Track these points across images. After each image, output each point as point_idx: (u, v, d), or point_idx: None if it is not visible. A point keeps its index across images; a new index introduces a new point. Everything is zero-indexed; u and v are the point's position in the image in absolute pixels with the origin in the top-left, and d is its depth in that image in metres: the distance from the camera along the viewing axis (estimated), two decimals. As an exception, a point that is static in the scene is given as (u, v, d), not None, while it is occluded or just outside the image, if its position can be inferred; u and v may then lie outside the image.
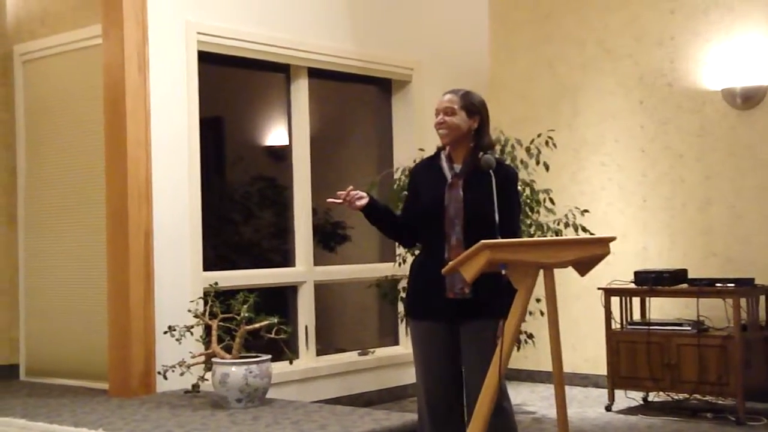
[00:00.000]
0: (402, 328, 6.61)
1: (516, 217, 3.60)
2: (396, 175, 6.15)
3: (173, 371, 4.93)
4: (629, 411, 5.83)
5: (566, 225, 5.88)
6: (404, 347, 6.70)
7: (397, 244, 6.23)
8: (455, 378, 3.49)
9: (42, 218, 5.98)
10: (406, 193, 5.81)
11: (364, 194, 3.51)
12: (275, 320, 4.88)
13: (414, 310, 3.55)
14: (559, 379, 3.03)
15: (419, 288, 3.47)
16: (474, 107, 3.52)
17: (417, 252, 3.65)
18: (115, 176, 5.20)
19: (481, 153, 3.46)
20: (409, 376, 6.54)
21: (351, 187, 3.52)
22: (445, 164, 3.51)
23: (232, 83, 6.32)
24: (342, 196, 3.49)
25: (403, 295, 6.21)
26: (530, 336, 6.01)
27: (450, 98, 3.52)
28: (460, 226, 3.39)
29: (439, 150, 3.59)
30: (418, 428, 3.62)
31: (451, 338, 3.46)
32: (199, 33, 5.49)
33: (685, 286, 5.79)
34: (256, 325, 4.86)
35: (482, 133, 3.54)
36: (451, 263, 2.99)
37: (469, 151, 3.50)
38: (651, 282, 5.77)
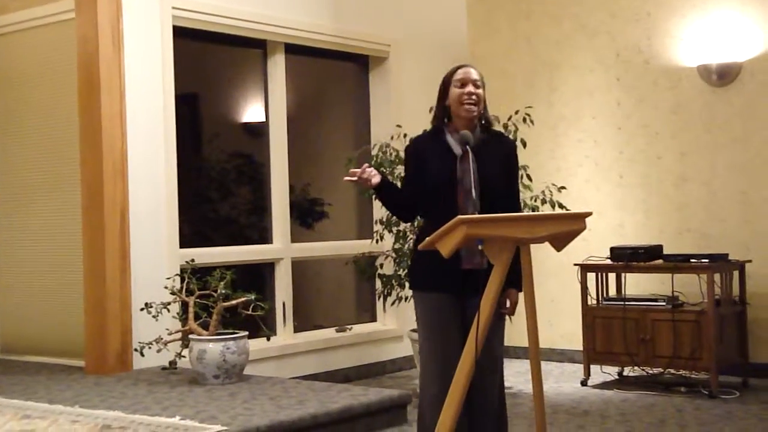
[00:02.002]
0: (380, 304, 6.62)
1: (518, 187, 3.69)
2: (373, 152, 6.13)
3: (150, 348, 4.92)
4: (604, 385, 5.89)
5: (543, 201, 5.90)
6: (381, 324, 6.72)
7: (376, 221, 6.23)
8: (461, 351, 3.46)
9: (16, 194, 5.92)
10: (383, 169, 5.85)
11: (377, 172, 3.52)
12: (252, 297, 4.88)
13: (425, 282, 3.52)
14: (534, 354, 3.05)
15: (431, 260, 3.33)
16: (484, 83, 3.57)
17: (424, 225, 3.63)
18: (90, 152, 5.15)
19: (474, 129, 3.48)
20: (387, 352, 6.57)
21: (366, 165, 3.52)
22: (451, 138, 3.50)
23: (208, 59, 6.27)
24: (357, 174, 3.48)
25: (380, 271, 6.21)
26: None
27: (476, 72, 3.51)
28: (478, 198, 3.40)
29: (440, 125, 3.55)
30: (420, 403, 3.59)
31: (459, 311, 3.47)
32: (174, 8, 5.43)
33: (660, 261, 5.84)
34: (233, 302, 4.86)
35: (486, 108, 3.58)
36: (428, 238, 2.99)
37: (475, 124, 3.51)
38: (627, 258, 5.81)
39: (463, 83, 3.48)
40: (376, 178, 3.50)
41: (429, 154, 3.52)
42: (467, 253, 3.35)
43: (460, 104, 3.47)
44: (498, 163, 3.49)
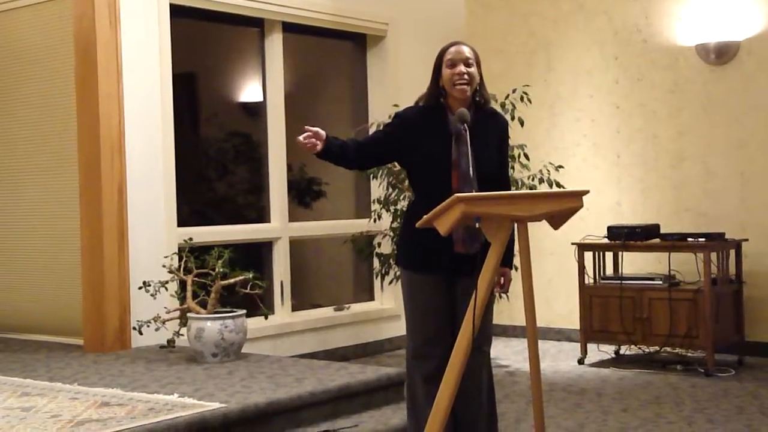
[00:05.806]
0: (378, 283, 6.63)
1: (508, 166, 3.68)
2: (371, 131, 6.13)
3: (148, 326, 4.93)
4: (601, 364, 5.91)
5: (541, 181, 5.91)
6: (379, 303, 6.74)
7: (374, 200, 6.24)
8: (451, 333, 3.45)
9: (12, 172, 5.91)
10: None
11: (320, 142, 3.46)
12: (250, 275, 4.88)
13: (416, 262, 3.46)
14: (532, 333, 3.06)
15: (424, 240, 3.29)
16: (479, 59, 3.45)
17: (415, 201, 3.56)
18: (87, 131, 5.15)
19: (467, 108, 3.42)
20: (385, 331, 6.59)
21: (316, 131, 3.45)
22: (449, 116, 3.41)
23: (205, 38, 6.25)
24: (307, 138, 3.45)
25: (378, 250, 6.22)
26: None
27: (468, 50, 3.40)
28: (475, 179, 3.34)
29: (436, 103, 3.46)
30: (406, 383, 3.60)
31: (448, 292, 3.45)
32: (171, -14, 5.41)
33: (657, 240, 5.85)
34: (231, 280, 4.87)
35: (483, 85, 3.48)
36: (425, 217, 2.99)
37: (472, 103, 3.46)
38: (624, 237, 5.82)
39: (454, 63, 3.37)
40: (315, 148, 3.43)
41: (422, 131, 3.43)
42: (465, 235, 3.31)
43: (452, 85, 3.37)
44: (492, 142, 3.44)
